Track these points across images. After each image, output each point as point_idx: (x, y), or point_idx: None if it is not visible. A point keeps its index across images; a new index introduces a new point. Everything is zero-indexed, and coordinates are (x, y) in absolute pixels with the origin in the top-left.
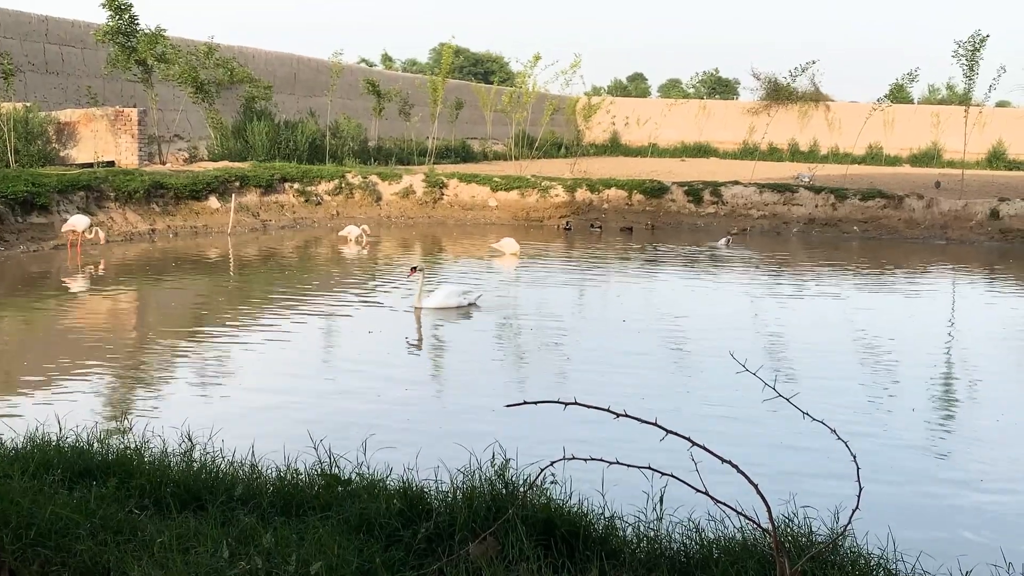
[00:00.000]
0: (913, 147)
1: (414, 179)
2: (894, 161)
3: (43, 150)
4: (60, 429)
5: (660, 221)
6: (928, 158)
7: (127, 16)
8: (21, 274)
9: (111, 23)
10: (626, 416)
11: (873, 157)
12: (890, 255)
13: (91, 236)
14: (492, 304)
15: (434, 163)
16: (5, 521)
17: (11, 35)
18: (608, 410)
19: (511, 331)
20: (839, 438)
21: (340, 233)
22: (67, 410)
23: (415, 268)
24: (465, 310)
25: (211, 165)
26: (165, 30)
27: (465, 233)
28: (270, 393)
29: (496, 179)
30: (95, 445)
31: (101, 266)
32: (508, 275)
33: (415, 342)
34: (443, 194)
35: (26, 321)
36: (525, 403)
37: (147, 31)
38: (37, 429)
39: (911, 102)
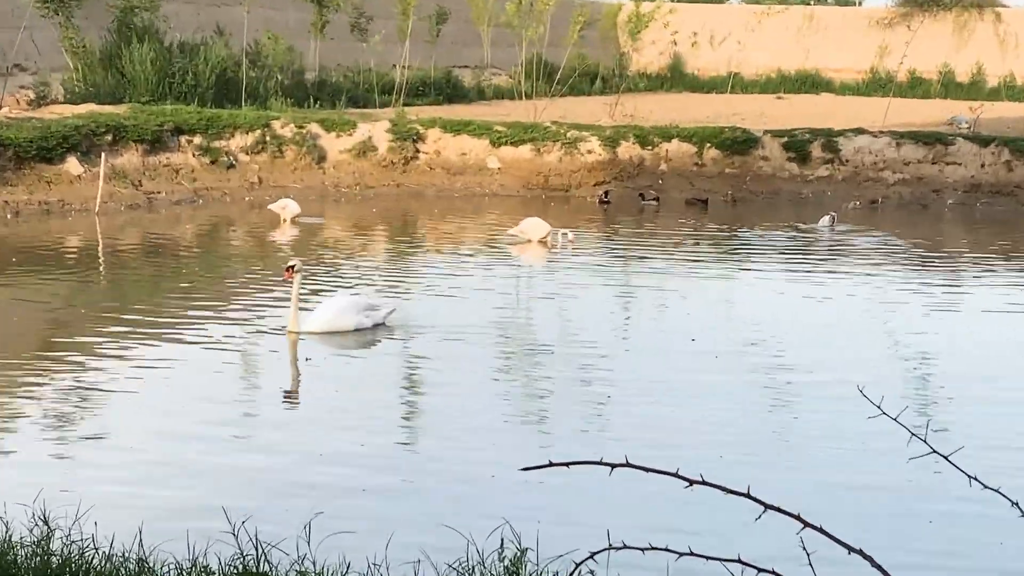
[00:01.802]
0: None
1: (375, 128)
2: None
3: None
4: None
5: (746, 189)
6: None
7: None
8: None
9: None
10: (703, 484)
11: None
12: None
13: None
14: (487, 321)
15: (404, 104)
16: None
17: None
18: (676, 475)
19: (523, 356)
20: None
21: (271, 207)
22: None
23: (292, 267)
24: (369, 335)
25: (70, 110)
26: None
27: (452, 208)
28: (159, 449)
29: (499, 128)
30: None
31: None
32: (525, 272)
33: (287, 389)
34: (419, 151)
35: None
36: (551, 464)
37: None
38: None
39: None
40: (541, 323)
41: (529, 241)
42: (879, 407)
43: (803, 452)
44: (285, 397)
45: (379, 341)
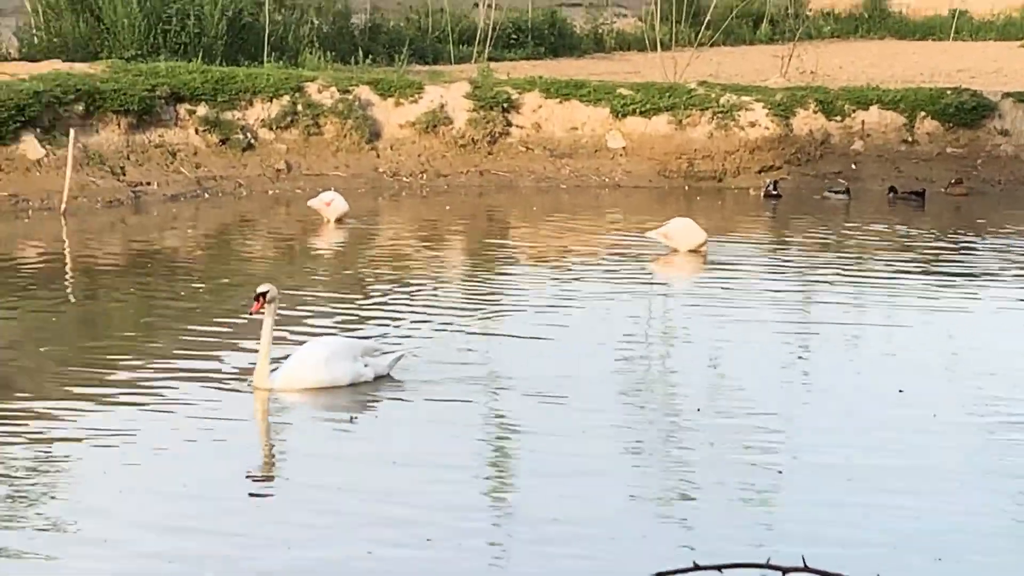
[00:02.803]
0: None
1: (449, 92)
2: None
3: None
4: None
5: (978, 177)
6: None
7: None
8: None
9: None
10: None
11: None
12: None
13: None
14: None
15: (490, 59)
16: None
17: None
18: None
19: (651, 420)
20: None
21: (311, 203)
22: None
23: (263, 295)
24: (370, 389)
25: (25, 68)
26: None
27: (557, 204)
28: (142, 557)
29: (623, 92)
30: None
31: None
32: (659, 299)
33: (255, 473)
34: (511, 124)
35: None
36: (697, 568)
37: None
38: None
39: None
40: (680, 371)
41: (676, 251)
42: None
43: None
44: (256, 483)
45: (408, 401)
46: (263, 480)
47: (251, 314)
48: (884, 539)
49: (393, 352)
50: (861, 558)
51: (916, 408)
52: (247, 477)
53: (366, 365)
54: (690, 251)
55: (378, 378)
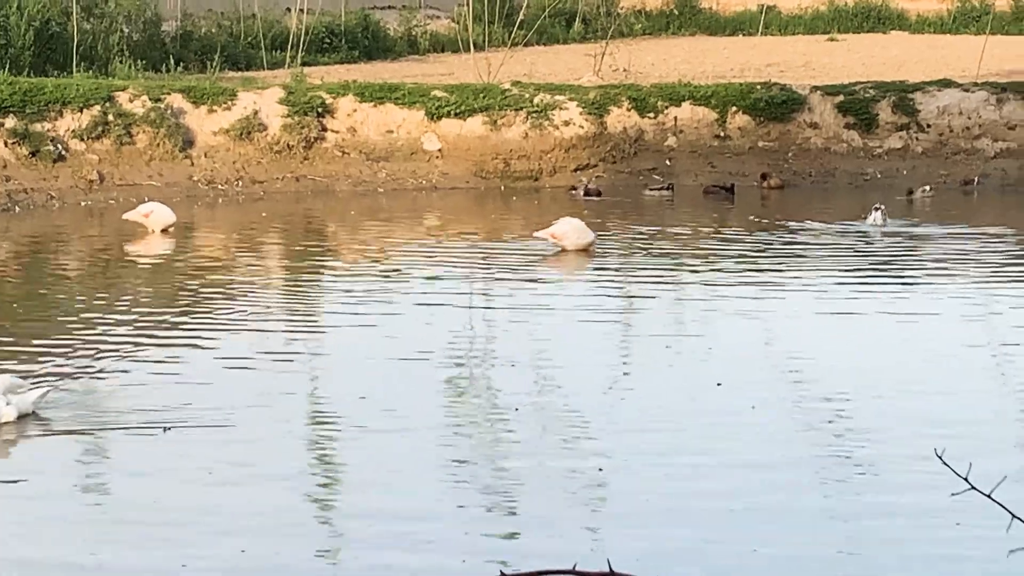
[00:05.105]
0: None
1: (263, 98)
2: None
3: None
4: None
5: (788, 169)
6: None
7: None
8: None
9: None
10: None
11: None
12: None
13: None
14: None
15: (304, 63)
16: None
17: None
18: None
19: (468, 421)
20: None
21: (128, 216)
22: None
23: None
24: (20, 428)
25: None
26: None
27: (375, 208)
28: None
29: (438, 94)
30: None
31: None
32: (481, 300)
33: None
34: (326, 129)
35: None
36: None
37: None
38: None
39: None
40: (499, 375)
41: (564, 250)
42: (966, 479)
43: (870, 544)
44: None
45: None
46: None
47: None
48: (701, 533)
49: (34, 389)
50: (679, 552)
51: (734, 401)
52: None
53: (8, 403)
54: (579, 250)
55: (21, 417)
